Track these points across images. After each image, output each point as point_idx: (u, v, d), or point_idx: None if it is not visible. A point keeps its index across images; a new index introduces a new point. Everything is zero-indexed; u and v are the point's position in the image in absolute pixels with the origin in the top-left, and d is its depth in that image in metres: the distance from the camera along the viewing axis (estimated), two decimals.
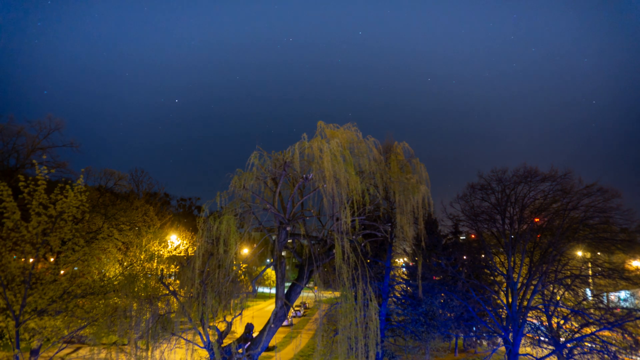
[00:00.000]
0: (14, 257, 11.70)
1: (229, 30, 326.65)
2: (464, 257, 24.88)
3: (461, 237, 27.86)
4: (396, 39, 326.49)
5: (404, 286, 25.38)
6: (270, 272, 57.14)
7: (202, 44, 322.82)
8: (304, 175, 12.14)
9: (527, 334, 20.64)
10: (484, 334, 24.74)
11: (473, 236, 26.44)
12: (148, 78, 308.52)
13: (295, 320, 44.83)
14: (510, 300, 20.35)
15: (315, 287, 13.89)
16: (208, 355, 11.54)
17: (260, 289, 66.69)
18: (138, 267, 16.56)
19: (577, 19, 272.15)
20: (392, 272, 23.44)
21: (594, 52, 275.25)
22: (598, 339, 17.80)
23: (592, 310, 18.77)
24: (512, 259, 20.40)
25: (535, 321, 20.74)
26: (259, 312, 43.17)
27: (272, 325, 11.76)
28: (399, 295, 24.68)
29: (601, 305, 18.99)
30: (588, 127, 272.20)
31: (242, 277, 14.60)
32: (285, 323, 36.17)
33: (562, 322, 19.08)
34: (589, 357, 17.96)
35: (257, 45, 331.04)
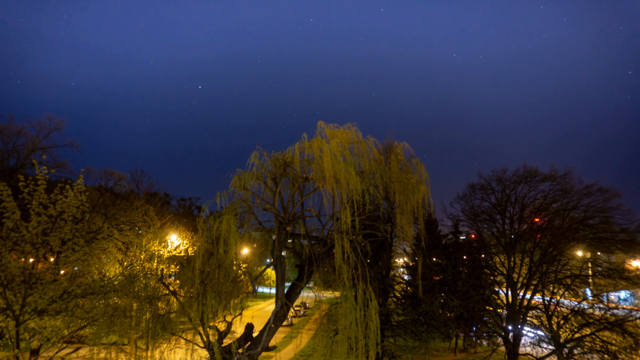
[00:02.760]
0: (14, 257, 11.68)
1: (250, 13, 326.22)
2: (464, 257, 24.91)
3: (461, 237, 27.87)
4: (419, 14, 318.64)
5: (404, 286, 25.39)
6: (270, 272, 57.10)
7: (221, 30, 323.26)
8: (304, 175, 12.13)
9: (527, 334, 20.63)
10: (484, 334, 24.79)
11: (473, 236, 26.45)
12: (171, 65, 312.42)
13: (295, 320, 44.80)
14: (510, 300, 20.36)
15: (315, 287, 13.88)
16: (208, 355, 11.53)
17: (260, 289, 66.65)
18: (138, 267, 16.54)
19: None
20: (392, 272, 23.45)
21: (630, 19, 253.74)
22: (598, 339, 17.79)
23: (592, 310, 18.76)
24: (512, 259, 20.41)
25: (535, 321, 20.73)
26: (259, 312, 43.14)
27: (272, 325, 11.75)
28: (399, 295, 24.67)
29: (601, 305, 18.99)
30: (624, 100, 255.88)
31: (242, 277, 14.60)
32: (285, 323, 36.15)
33: (562, 322, 19.07)
34: (589, 357, 17.94)
35: (278, 28, 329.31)
